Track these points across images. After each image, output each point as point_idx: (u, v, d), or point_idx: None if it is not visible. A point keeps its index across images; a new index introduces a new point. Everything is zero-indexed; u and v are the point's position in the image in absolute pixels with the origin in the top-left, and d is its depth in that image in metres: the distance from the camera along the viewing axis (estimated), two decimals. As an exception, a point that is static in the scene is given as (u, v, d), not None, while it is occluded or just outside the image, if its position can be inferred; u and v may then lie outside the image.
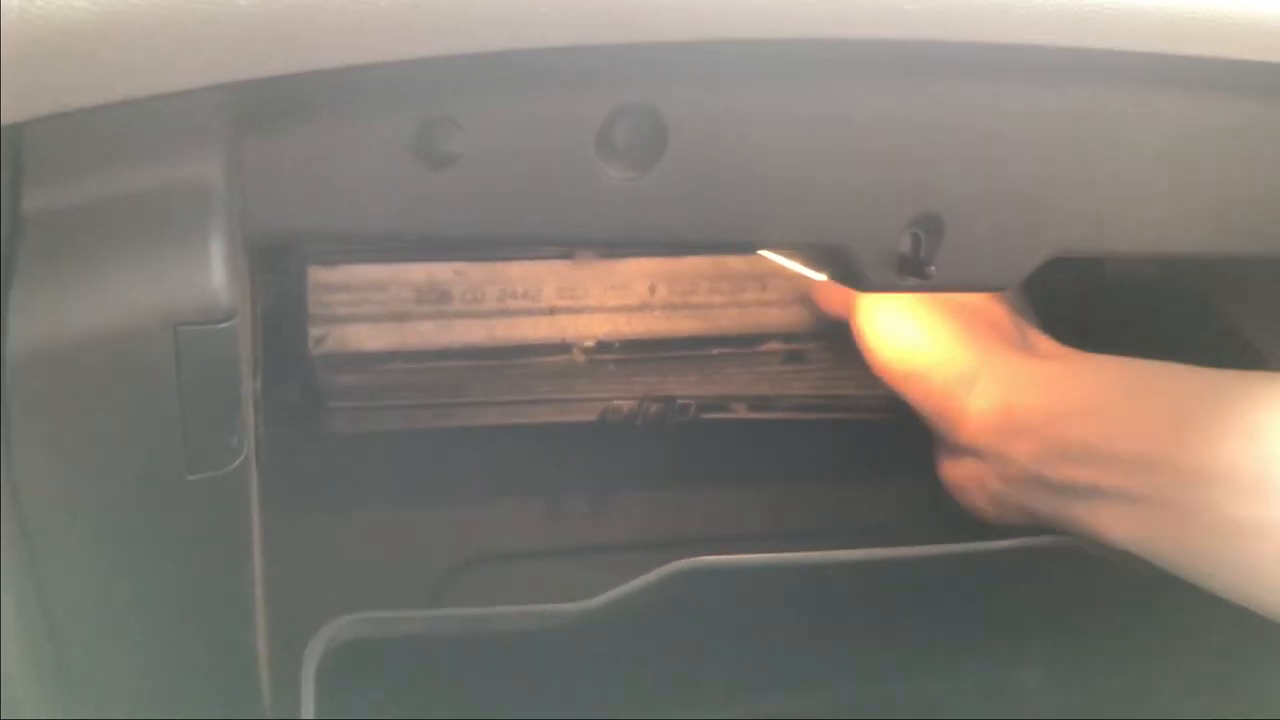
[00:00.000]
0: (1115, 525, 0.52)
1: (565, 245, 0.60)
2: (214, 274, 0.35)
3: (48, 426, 0.35)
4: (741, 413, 0.62)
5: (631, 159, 0.41)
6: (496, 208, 0.41)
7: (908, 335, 0.59)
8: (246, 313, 0.38)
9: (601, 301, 0.65)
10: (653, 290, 0.65)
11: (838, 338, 0.68)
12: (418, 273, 0.62)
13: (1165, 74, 0.43)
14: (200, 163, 0.35)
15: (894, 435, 0.65)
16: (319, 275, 0.60)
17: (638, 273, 0.65)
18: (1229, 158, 0.45)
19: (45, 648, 0.39)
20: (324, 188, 0.38)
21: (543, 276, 0.64)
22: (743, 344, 0.67)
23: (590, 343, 0.65)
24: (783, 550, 0.52)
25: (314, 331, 0.61)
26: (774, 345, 0.67)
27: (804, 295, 0.67)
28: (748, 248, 0.50)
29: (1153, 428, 0.51)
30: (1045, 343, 0.59)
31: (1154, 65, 0.41)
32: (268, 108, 0.36)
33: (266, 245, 0.39)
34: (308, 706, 0.44)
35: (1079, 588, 0.60)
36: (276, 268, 0.57)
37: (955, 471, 0.60)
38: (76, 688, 0.41)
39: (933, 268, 0.45)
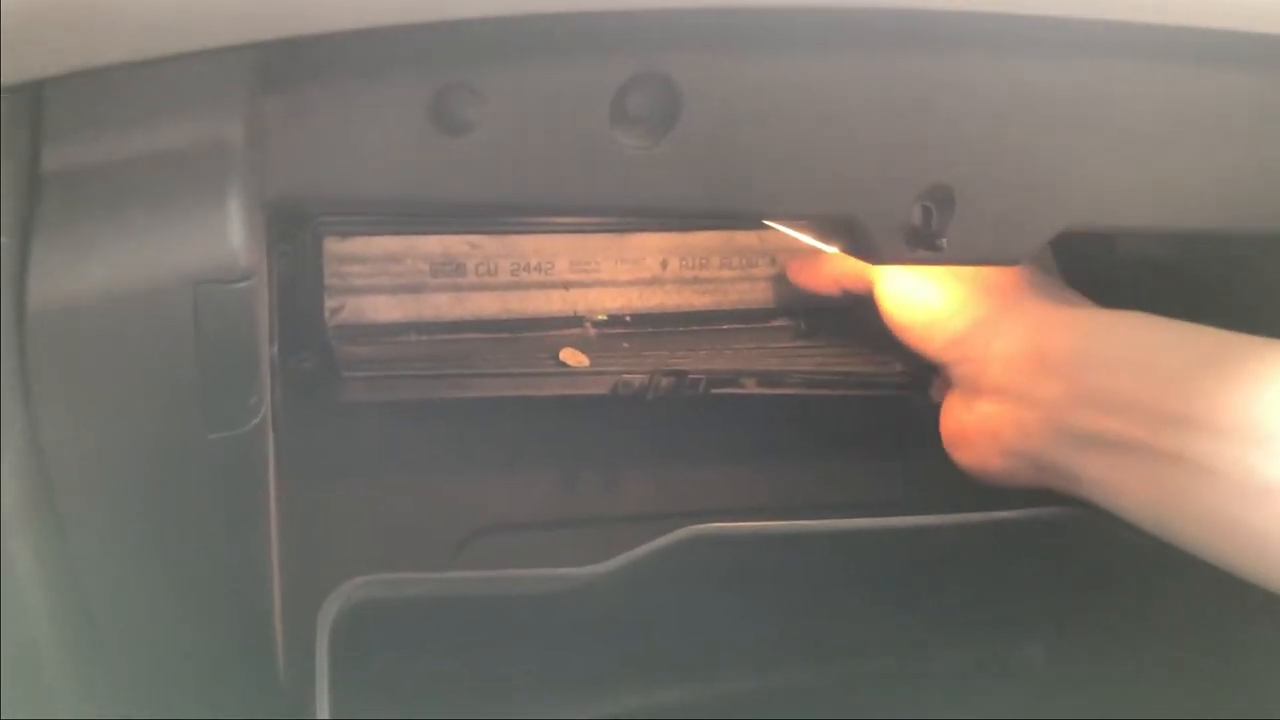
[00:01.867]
0: (1136, 483, 0.51)
1: (578, 214, 0.60)
2: (233, 234, 0.36)
3: (69, 383, 0.36)
4: (751, 388, 0.62)
5: (645, 128, 0.41)
6: (510, 175, 0.41)
7: (929, 286, 0.58)
8: (264, 274, 0.39)
9: (614, 275, 0.65)
10: (664, 265, 0.66)
11: (847, 314, 0.68)
12: (432, 245, 0.62)
13: (1179, 48, 0.43)
14: (220, 123, 0.35)
15: (902, 411, 0.65)
16: (335, 247, 0.60)
17: (650, 247, 0.65)
18: (1242, 133, 0.46)
19: (69, 604, 0.39)
20: (341, 151, 0.39)
21: (556, 250, 0.64)
22: (753, 319, 0.68)
23: (602, 316, 0.65)
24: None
25: (330, 302, 0.61)
26: (784, 321, 0.68)
27: (782, 274, 0.67)
28: (759, 218, 0.50)
29: (1189, 384, 0.49)
30: (1079, 299, 0.58)
31: (1168, 39, 0.41)
32: (288, 69, 0.37)
33: (283, 208, 0.39)
34: (322, 666, 0.45)
35: (1085, 561, 0.60)
36: (293, 239, 0.57)
37: (967, 421, 0.59)
38: (98, 643, 0.42)
39: (943, 240, 0.45)
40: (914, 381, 0.65)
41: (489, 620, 0.54)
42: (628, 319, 0.66)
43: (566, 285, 0.65)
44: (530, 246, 0.64)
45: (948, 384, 0.60)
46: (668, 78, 0.41)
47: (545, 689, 0.59)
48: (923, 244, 0.46)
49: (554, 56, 0.39)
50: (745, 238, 0.66)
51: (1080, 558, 0.58)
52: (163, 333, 0.36)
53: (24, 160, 0.33)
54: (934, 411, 0.63)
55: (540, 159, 0.41)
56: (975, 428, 0.59)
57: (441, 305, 0.63)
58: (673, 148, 0.42)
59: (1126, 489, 0.52)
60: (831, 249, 0.50)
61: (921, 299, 0.58)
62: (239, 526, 0.42)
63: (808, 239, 0.51)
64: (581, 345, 0.63)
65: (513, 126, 0.40)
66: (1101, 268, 0.63)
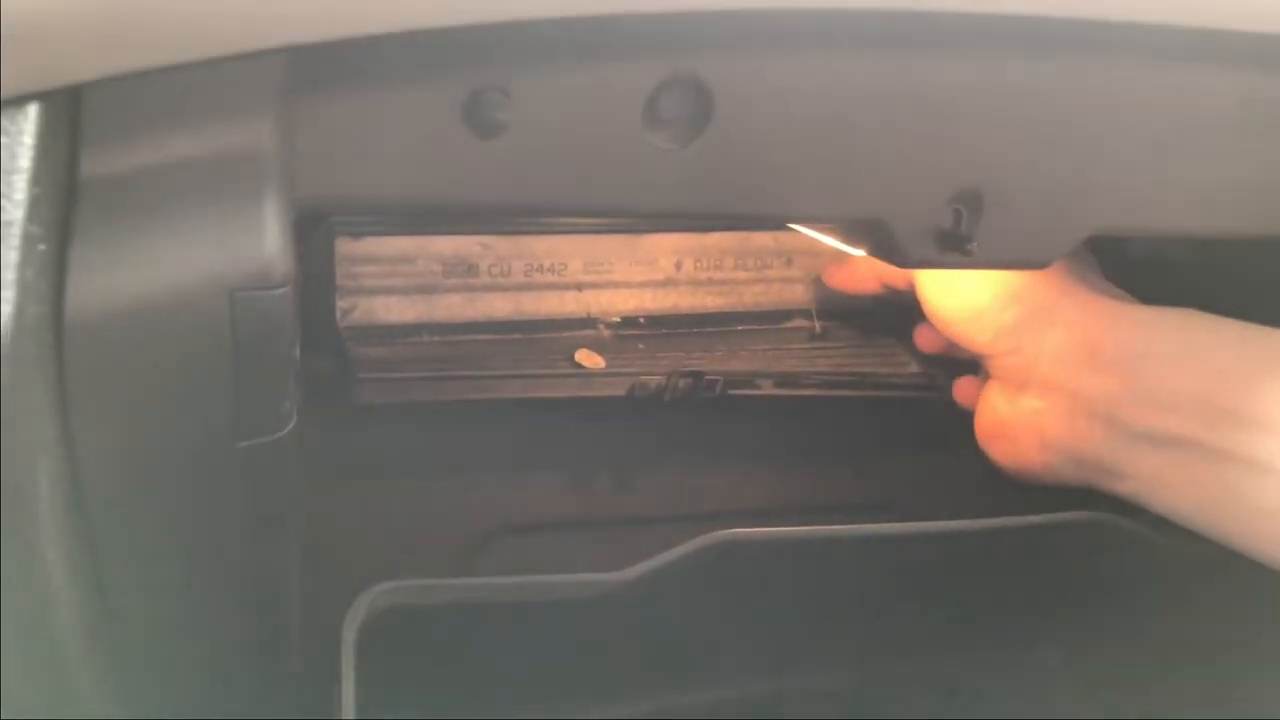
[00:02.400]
0: (1188, 480, 0.51)
1: (608, 215, 0.60)
2: (269, 240, 0.35)
3: (104, 390, 0.35)
4: (768, 389, 0.62)
5: (677, 130, 0.41)
6: (542, 178, 0.41)
7: (978, 277, 0.57)
8: (296, 279, 0.39)
9: (627, 276, 0.65)
10: (679, 266, 0.65)
11: (862, 315, 0.68)
12: (445, 246, 0.62)
13: (1210, 51, 0.43)
14: (255, 127, 0.35)
15: (918, 412, 0.65)
16: (346, 247, 0.60)
17: (664, 248, 0.65)
18: (1275, 136, 0.45)
19: (98, 609, 0.39)
20: (373, 155, 0.39)
21: (569, 251, 0.64)
22: (768, 320, 0.67)
23: (616, 318, 0.65)
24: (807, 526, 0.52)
25: (341, 303, 0.61)
26: (799, 322, 0.68)
27: (820, 277, 0.67)
28: (788, 221, 0.50)
29: (1246, 382, 0.50)
30: (1125, 295, 0.58)
31: (1199, 42, 0.41)
32: (321, 73, 0.36)
33: (314, 212, 0.39)
34: (348, 671, 0.45)
35: (1100, 566, 0.60)
36: (306, 239, 0.57)
37: (1009, 415, 0.58)
38: (125, 646, 0.41)
39: (973, 244, 0.45)
40: (929, 382, 0.65)
41: (507, 623, 0.54)
42: (641, 320, 0.65)
43: (580, 286, 0.64)
44: (543, 247, 0.63)
45: (985, 378, 0.60)
46: (701, 80, 0.40)
47: (564, 691, 0.59)
48: (952, 247, 0.46)
49: (587, 59, 0.39)
50: (759, 239, 0.66)
51: (1099, 563, 0.58)
52: (198, 340, 0.35)
53: (62, 165, 0.33)
54: (949, 412, 0.63)
55: (572, 161, 0.41)
56: (1018, 422, 0.58)
57: (454, 306, 0.63)
58: (704, 150, 0.41)
59: (1177, 486, 0.52)
60: (858, 252, 0.49)
61: (970, 290, 0.58)
62: (265, 532, 0.42)
63: (832, 241, 0.51)
64: (596, 346, 0.63)
65: (545, 129, 0.40)
66: (1112, 269, 0.63)
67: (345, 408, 0.58)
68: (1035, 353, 0.56)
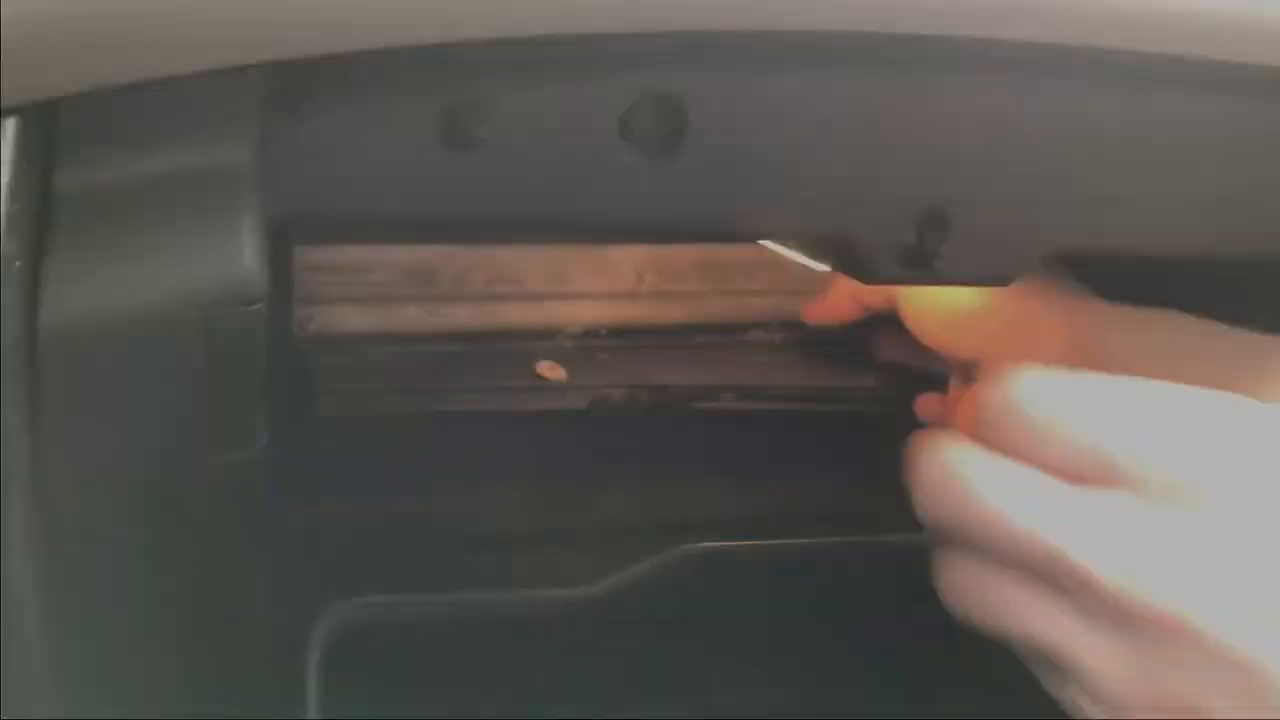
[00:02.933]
0: None
1: (585, 232, 0.60)
2: (245, 257, 0.35)
3: (75, 407, 0.35)
4: (730, 403, 0.62)
5: (652, 145, 0.41)
6: (517, 192, 0.41)
7: (958, 288, 0.56)
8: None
9: (589, 288, 0.65)
10: (641, 278, 0.65)
11: (823, 329, 0.68)
12: (404, 255, 0.61)
13: (1178, 74, 0.43)
14: (232, 143, 0.35)
15: (883, 424, 0.65)
16: (304, 256, 0.59)
17: (626, 259, 0.65)
18: (1243, 159, 0.46)
19: (65, 626, 0.38)
20: (348, 170, 0.38)
21: (530, 262, 0.63)
22: (730, 332, 0.67)
23: (578, 329, 0.65)
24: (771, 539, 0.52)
25: (299, 312, 0.60)
26: (760, 334, 0.68)
27: (758, 288, 0.68)
28: (760, 237, 0.50)
29: (1236, 381, 0.47)
30: (1101, 301, 0.57)
31: (1166, 65, 0.42)
32: (298, 88, 0.36)
33: (288, 228, 0.39)
34: (312, 690, 0.44)
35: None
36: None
37: None
38: (91, 664, 0.41)
39: (939, 260, 0.46)
40: (893, 395, 0.65)
41: (472, 635, 0.53)
42: (604, 332, 0.65)
43: (541, 298, 0.64)
44: (503, 258, 0.63)
45: (962, 389, 0.60)
46: (676, 97, 0.40)
47: (532, 702, 0.59)
48: (918, 264, 0.46)
49: (565, 75, 0.39)
50: (721, 251, 0.66)
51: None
52: (172, 357, 0.35)
53: (37, 180, 0.32)
54: (913, 424, 0.64)
55: (547, 175, 0.41)
56: None
57: (414, 317, 0.62)
58: (678, 167, 0.42)
59: None
60: (822, 267, 0.50)
61: (954, 300, 0.58)
62: (233, 550, 0.42)
63: (798, 256, 0.51)
64: (557, 358, 0.63)
65: (521, 144, 0.40)
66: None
67: (303, 420, 0.58)
68: (1026, 355, 0.56)
